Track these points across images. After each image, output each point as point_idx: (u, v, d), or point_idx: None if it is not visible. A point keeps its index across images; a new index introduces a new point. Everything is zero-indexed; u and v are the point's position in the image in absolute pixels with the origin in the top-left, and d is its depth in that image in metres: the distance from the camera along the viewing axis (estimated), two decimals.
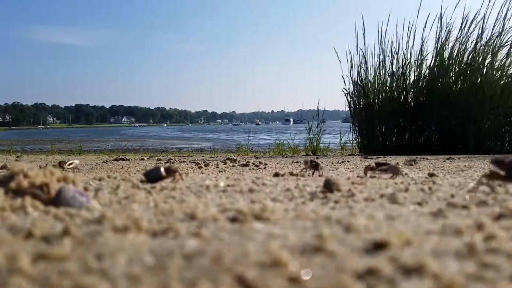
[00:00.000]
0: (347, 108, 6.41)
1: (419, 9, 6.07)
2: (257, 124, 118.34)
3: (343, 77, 6.23)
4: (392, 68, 6.05)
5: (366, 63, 6.14)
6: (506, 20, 5.57)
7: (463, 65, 5.71)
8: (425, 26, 5.96)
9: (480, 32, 5.67)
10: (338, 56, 6.27)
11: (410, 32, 5.97)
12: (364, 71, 6.14)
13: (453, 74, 5.80)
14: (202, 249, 0.65)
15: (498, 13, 5.64)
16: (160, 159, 4.25)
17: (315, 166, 2.03)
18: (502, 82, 5.57)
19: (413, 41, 5.96)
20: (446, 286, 0.49)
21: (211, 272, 0.54)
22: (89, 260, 0.58)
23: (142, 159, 4.44)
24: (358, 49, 6.18)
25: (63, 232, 0.73)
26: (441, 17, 5.85)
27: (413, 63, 5.97)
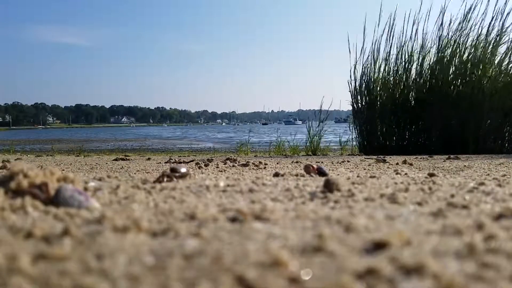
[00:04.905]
0: (346, 108, 6.39)
1: (431, 5, 6.06)
2: (264, 124, 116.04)
3: (350, 74, 6.17)
4: (396, 64, 6.03)
5: (374, 60, 6.09)
6: (505, 18, 5.56)
7: (463, 62, 5.71)
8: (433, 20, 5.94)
9: (480, 28, 5.67)
10: (349, 52, 6.12)
11: (413, 27, 5.96)
12: (369, 68, 6.10)
13: (452, 71, 5.80)
14: (202, 249, 0.65)
15: (497, 10, 5.63)
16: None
17: (323, 174, 1.94)
18: (503, 80, 5.56)
19: (415, 36, 5.95)
20: (446, 286, 0.49)
21: (211, 272, 0.54)
22: (89, 260, 0.58)
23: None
24: (363, 46, 6.15)
25: (63, 232, 0.73)
26: (444, 12, 5.84)
27: (416, 55, 5.94)
